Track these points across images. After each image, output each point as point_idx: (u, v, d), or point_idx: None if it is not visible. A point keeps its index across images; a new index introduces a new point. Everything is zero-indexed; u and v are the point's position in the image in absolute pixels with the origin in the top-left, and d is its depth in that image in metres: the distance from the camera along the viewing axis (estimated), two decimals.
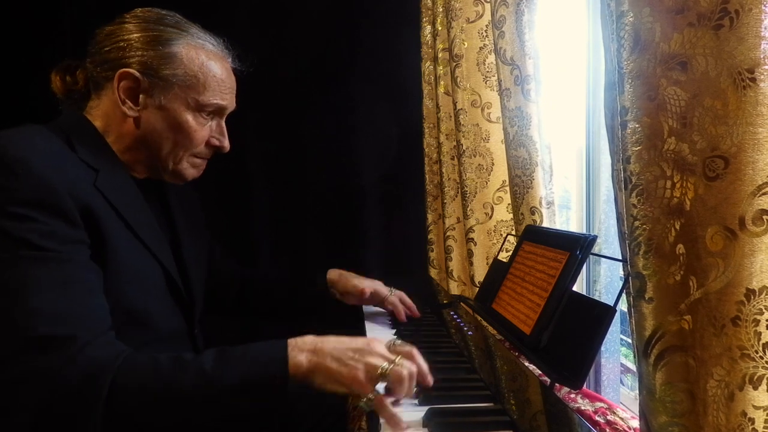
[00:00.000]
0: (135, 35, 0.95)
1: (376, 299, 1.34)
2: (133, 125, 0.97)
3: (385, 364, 0.79)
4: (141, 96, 0.96)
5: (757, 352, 0.62)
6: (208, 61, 1.00)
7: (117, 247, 0.87)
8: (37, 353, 0.72)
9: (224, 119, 1.07)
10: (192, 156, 1.04)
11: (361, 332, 1.27)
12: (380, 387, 0.80)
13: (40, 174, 0.79)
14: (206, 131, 1.02)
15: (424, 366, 0.84)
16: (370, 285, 1.33)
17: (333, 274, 1.36)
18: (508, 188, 1.45)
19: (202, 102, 0.99)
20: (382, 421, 0.76)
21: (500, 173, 1.52)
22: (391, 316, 1.35)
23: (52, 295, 0.76)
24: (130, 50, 0.94)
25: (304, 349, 0.80)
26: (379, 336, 1.12)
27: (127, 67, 0.94)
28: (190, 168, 1.05)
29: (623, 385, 1.43)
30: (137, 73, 0.94)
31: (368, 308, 1.42)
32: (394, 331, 1.24)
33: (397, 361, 0.80)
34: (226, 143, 1.07)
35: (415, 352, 0.84)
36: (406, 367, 0.80)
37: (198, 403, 0.75)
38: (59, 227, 0.79)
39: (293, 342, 0.81)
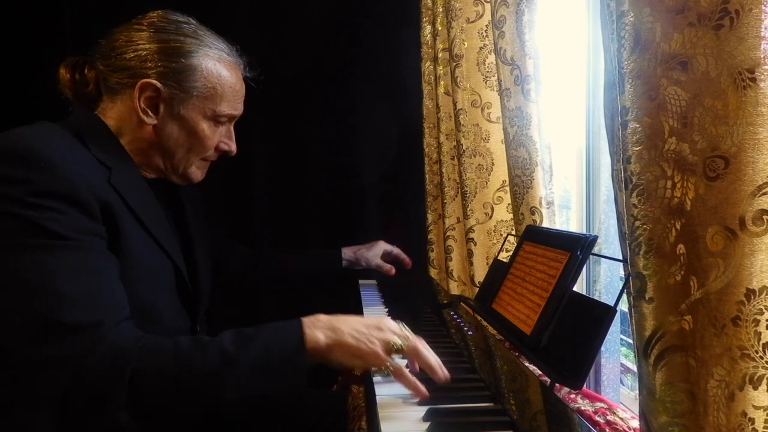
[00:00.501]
0: (156, 45, 0.97)
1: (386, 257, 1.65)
2: (149, 132, 0.99)
3: (399, 341, 0.83)
4: (161, 105, 0.98)
5: (757, 352, 0.62)
6: (225, 72, 1.03)
7: (131, 244, 0.89)
8: (61, 338, 0.73)
9: (233, 125, 1.09)
10: (201, 160, 1.07)
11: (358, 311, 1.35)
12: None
13: (61, 168, 0.81)
14: (217, 137, 1.06)
15: (434, 358, 0.87)
16: (379, 252, 1.64)
17: (348, 253, 1.61)
18: (508, 188, 1.45)
19: (218, 112, 1.02)
20: (381, 417, 0.77)
21: (500, 173, 1.52)
22: (391, 313, 1.36)
23: (74, 281, 0.77)
24: (151, 61, 0.96)
25: (319, 326, 0.82)
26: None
27: (147, 77, 0.95)
28: (198, 170, 1.09)
29: (623, 385, 1.43)
30: (159, 84, 0.96)
31: (365, 298, 1.45)
32: (386, 310, 1.26)
33: (410, 336, 0.85)
34: (234, 147, 1.11)
35: (423, 341, 0.87)
36: (420, 341, 0.85)
37: (217, 382, 0.76)
38: (80, 219, 0.81)
39: (307, 320, 0.83)
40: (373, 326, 0.85)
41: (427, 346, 0.86)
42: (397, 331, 0.86)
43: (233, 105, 1.05)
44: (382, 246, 1.66)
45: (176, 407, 0.76)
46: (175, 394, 0.75)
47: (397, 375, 0.82)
